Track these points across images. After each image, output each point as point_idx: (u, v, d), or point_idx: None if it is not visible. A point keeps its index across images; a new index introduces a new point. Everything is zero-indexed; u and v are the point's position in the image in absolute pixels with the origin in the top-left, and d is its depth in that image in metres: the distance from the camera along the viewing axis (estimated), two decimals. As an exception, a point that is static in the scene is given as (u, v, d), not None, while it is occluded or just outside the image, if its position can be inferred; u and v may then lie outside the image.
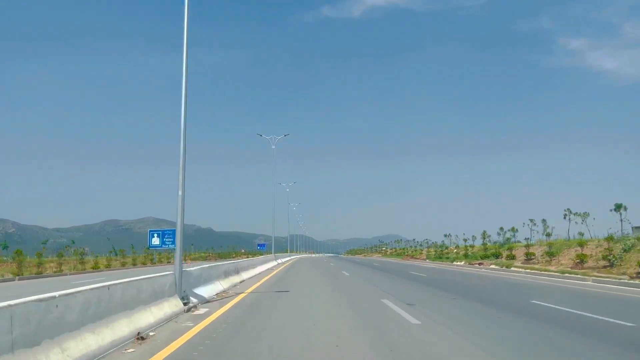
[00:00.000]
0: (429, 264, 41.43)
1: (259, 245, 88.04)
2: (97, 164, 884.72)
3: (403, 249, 79.20)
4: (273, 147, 41.13)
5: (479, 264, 33.58)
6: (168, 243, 59.64)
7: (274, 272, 24.56)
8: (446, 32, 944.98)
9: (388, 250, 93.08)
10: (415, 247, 71.55)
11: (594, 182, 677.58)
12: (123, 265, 40.85)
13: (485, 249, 37.96)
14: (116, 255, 44.64)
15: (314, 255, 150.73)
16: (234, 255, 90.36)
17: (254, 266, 21.99)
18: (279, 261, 39.72)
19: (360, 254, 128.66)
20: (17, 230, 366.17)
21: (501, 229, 40.37)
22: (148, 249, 56.21)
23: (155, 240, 60.02)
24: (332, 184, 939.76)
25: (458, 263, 38.29)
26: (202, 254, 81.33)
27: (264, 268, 25.57)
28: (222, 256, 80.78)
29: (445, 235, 54.50)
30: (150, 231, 58.21)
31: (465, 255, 41.84)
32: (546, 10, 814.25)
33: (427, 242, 68.07)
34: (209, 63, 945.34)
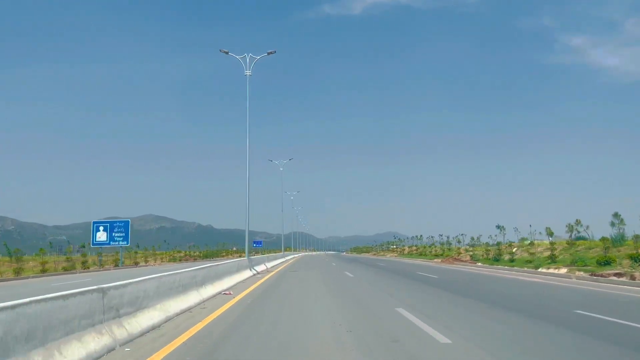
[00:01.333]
0: (517, 273, 24.91)
1: (254, 242, 72.07)
2: (98, 161, 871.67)
3: (427, 246, 63.13)
4: (247, 72, 25.03)
5: (617, 275, 18.36)
6: (118, 239, 42.06)
7: (216, 314, 9.32)
8: (447, 30, 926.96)
9: (405, 248, 76.79)
10: (447, 244, 55.53)
11: (594, 182, 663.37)
12: (17, 274, 25.38)
13: (605, 249, 22.70)
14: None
15: (314, 253, 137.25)
16: (223, 255, 74.67)
17: (143, 305, 6.80)
18: (258, 269, 23.88)
19: (367, 253, 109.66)
20: (16, 227, 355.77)
21: (616, 215, 25.08)
22: (82, 246, 40.71)
23: (101, 236, 41.95)
24: (332, 182, 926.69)
25: (552, 270, 23.15)
26: (178, 253, 63.72)
27: (197, 299, 10.18)
28: (208, 256, 67.37)
29: (499, 228, 39.02)
30: (94, 223, 40.16)
31: (552, 258, 26.42)
32: (547, 8, 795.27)
33: (464, 238, 52.43)
34: (209, 61, 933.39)
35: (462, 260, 39.60)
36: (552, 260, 26.20)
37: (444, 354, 5.72)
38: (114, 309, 6.06)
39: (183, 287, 9.52)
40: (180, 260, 57.61)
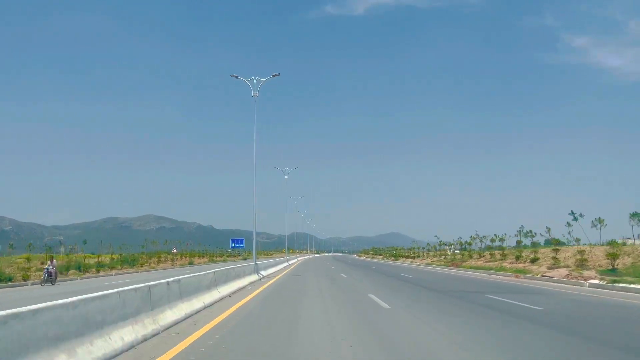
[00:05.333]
0: None
1: (233, 241, 50.20)
2: (97, 160, 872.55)
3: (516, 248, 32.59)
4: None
5: None
6: None
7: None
8: (450, 29, 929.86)
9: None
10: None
11: (596, 181, 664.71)
12: None
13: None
14: None
15: (317, 255, 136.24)
16: (156, 258, 47.42)
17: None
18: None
19: (409, 258, 65.00)
20: (13, 227, 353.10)
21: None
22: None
23: None
24: (333, 182, 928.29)
25: None
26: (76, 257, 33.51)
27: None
28: (127, 263, 39.16)
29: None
30: None
31: None
32: (550, 7, 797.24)
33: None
34: (210, 59, 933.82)
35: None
36: None
37: None
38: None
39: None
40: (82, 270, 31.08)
